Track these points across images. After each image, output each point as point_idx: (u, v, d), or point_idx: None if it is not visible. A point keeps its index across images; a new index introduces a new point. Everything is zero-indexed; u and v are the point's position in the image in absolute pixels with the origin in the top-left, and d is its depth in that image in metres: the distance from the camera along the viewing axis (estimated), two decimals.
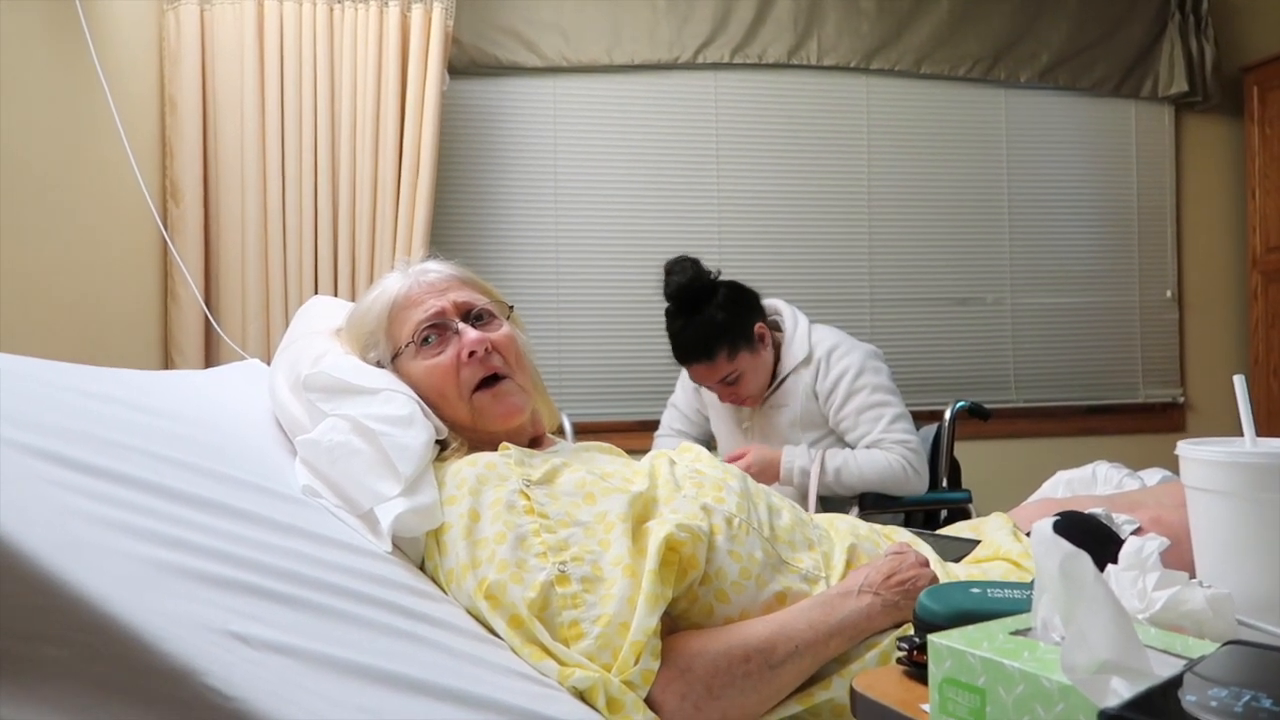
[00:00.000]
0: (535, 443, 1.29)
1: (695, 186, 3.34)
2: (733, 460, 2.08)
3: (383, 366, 1.26)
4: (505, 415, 1.23)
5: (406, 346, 1.24)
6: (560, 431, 1.51)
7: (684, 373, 2.36)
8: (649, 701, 0.95)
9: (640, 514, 1.09)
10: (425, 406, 1.21)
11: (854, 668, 1.03)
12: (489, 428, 1.23)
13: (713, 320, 2.16)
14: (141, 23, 2.56)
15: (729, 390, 2.24)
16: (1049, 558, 0.63)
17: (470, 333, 1.23)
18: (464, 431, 1.24)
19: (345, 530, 1.06)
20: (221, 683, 0.70)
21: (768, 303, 2.39)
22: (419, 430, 1.14)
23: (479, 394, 1.22)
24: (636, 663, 0.94)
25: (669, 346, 2.24)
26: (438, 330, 1.24)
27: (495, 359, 1.23)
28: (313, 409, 1.20)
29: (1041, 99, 3.61)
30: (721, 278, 2.24)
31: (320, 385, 1.19)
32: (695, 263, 2.20)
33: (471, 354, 1.21)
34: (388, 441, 1.10)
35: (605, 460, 1.25)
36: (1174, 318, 3.74)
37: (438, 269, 1.31)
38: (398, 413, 1.15)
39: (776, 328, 2.35)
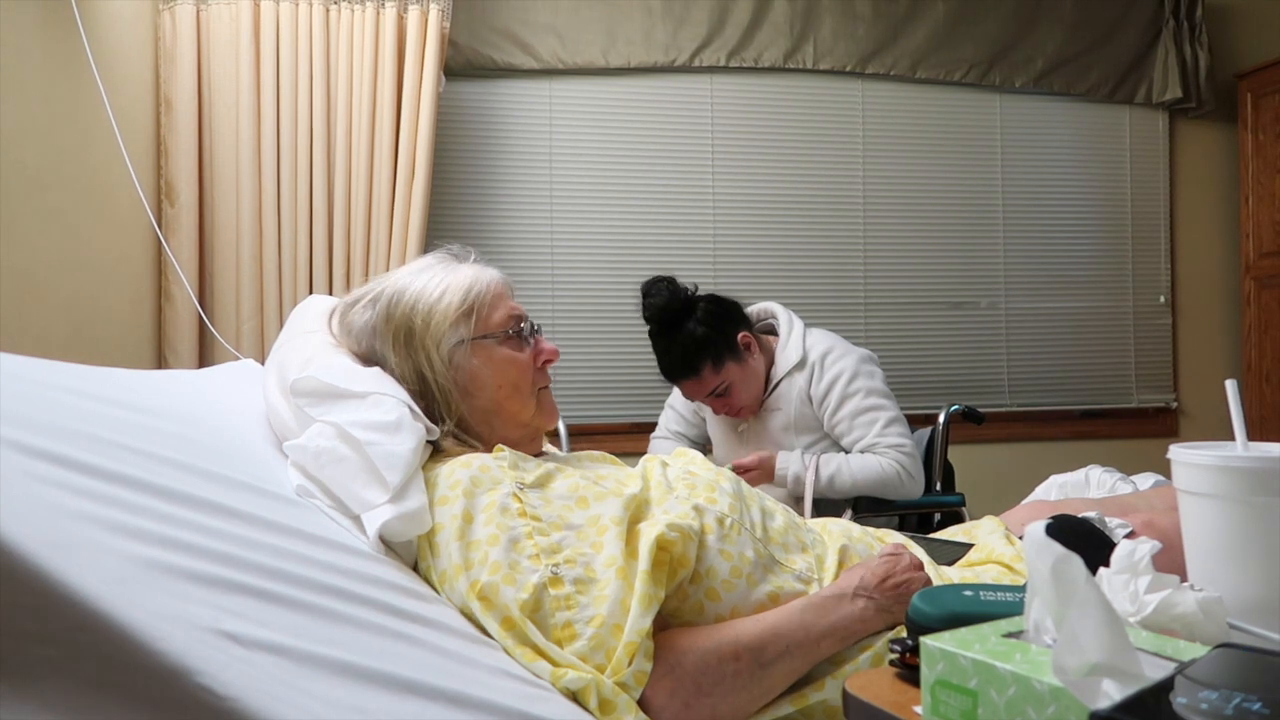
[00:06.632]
0: (534, 453, 1.29)
1: (690, 189, 3.34)
2: (741, 469, 2.08)
3: (461, 345, 1.24)
4: (555, 416, 1.34)
5: (496, 333, 1.26)
6: (555, 436, 1.53)
7: None
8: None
9: (634, 517, 1.09)
10: (416, 408, 1.20)
11: (847, 669, 1.04)
12: (540, 423, 1.31)
13: (693, 335, 2.16)
14: (137, 22, 2.55)
15: (721, 402, 2.25)
16: (1041, 560, 0.63)
17: (547, 342, 1.33)
18: (513, 424, 1.27)
19: (338, 530, 1.06)
20: (214, 682, 0.70)
21: (763, 305, 2.39)
22: (406, 435, 1.13)
23: (543, 391, 1.31)
24: (630, 664, 0.94)
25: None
26: (521, 328, 1.30)
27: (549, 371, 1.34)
28: (300, 414, 1.20)
29: (1036, 104, 3.62)
30: (700, 291, 2.24)
31: (307, 390, 1.19)
32: (671, 281, 2.21)
33: (547, 361, 1.31)
34: (374, 450, 1.09)
35: (598, 466, 1.25)
36: (1167, 323, 3.75)
37: (494, 272, 1.34)
38: (384, 418, 1.14)
39: (771, 331, 2.35)
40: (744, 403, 2.25)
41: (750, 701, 1.00)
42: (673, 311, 2.18)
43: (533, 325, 1.33)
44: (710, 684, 0.97)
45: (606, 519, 1.06)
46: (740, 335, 2.21)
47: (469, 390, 1.24)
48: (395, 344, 1.25)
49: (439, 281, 1.27)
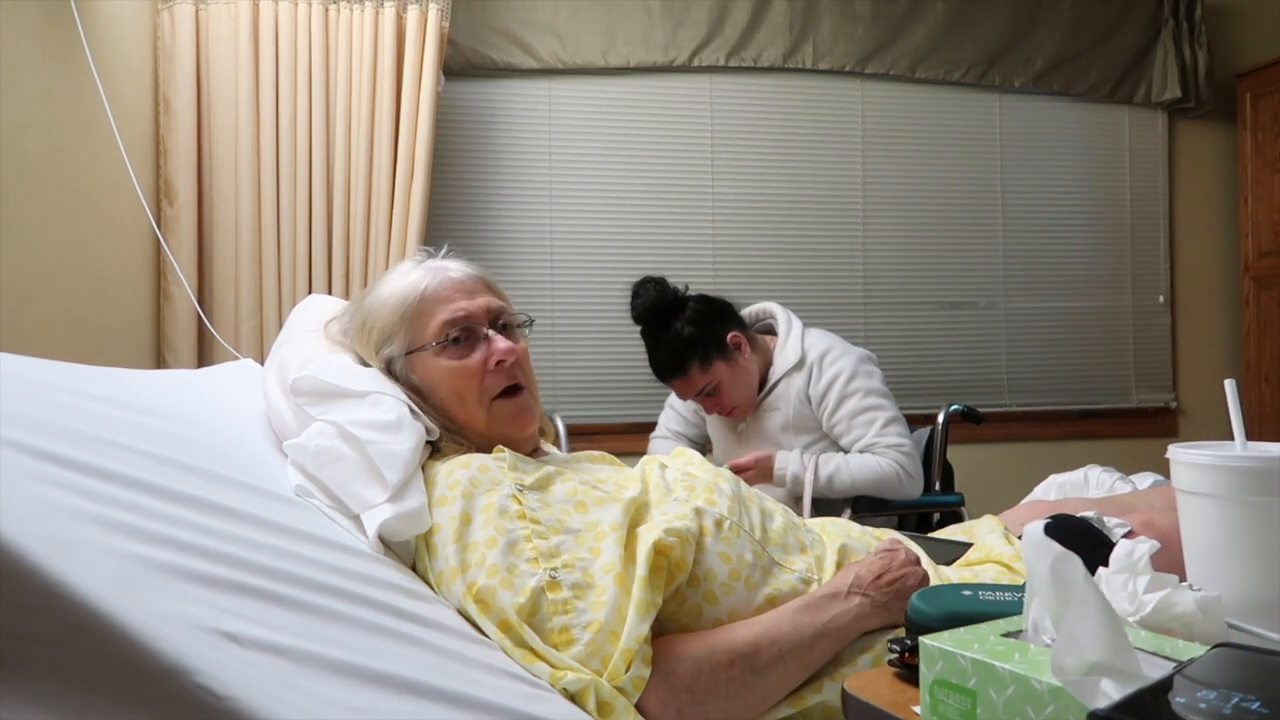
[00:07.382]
0: (532, 453, 1.29)
1: (690, 189, 3.34)
2: (738, 469, 2.07)
3: (394, 361, 1.23)
4: (522, 424, 1.24)
5: (430, 344, 1.21)
6: (555, 436, 1.51)
7: None
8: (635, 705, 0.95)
9: (633, 520, 1.09)
10: (417, 407, 1.20)
11: (846, 670, 1.04)
12: (503, 433, 1.22)
13: (680, 335, 2.17)
14: (136, 22, 2.55)
15: (712, 402, 2.24)
16: (1040, 560, 0.63)
17: (501, 341, 1.22)
18: (471, 435, 1.23)
19: (337, 530, 1.06)
20: (213, 682, 0.70)
21: (761, 306, 2.39)
22: (406, 435, 1.13)
23: (499, 401, 1.22)
24: (627, 670, 0.94)
25: None
26: (466, 332, 1.22)
27: (518, 371, 1.24)
28: (300, 413, 1.20)
29: (1035, 104, 3.62)
30: (691, 291, 2.24)
31: (307, 389, 1.19)
32: (660, 282, 2.21)
33: (499, 363, 1.21)
34: (374, 449, 1.10)
35: (597, 468, 1.24)
36: (1166, 323, 3.75)
37: (460, 268, 1.28)
38: (384, 418, 1.14)
39: (769, 331, 2.35)
40: (735, 402, 2.24)
41: (746, 708, 0.99)
42: (660, 311, 2.19)
43: (498, 321, 1.25)
44: (704, 692, 0.97)
45: (605, 525, 1.06)
46: (730, 335, 2.21)
47: (419, 400, 1.22)
48: (366, 354, 1.27)
49: (387, 293, 1.25)
